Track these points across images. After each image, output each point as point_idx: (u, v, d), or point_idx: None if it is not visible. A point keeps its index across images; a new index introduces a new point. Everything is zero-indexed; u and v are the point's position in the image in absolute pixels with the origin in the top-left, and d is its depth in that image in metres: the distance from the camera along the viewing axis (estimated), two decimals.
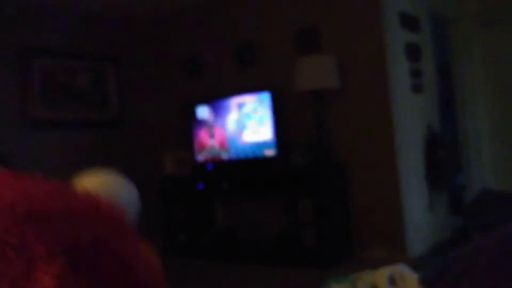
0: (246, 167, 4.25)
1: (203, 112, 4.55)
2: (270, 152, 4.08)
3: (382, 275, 1.25)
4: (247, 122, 4.23)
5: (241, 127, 4.28)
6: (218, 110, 4.45)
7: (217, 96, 4.47)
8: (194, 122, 4.61)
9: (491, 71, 5.02)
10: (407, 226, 3.74)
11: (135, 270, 0.36)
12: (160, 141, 5.17)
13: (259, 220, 4.41)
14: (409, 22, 4.09)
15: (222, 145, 4.41)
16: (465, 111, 4.99)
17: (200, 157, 4.57)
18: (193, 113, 4.60)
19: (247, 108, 4.23)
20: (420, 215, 3.97)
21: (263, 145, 4.13)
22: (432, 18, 4.54)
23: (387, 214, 3.78)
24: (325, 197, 3.81)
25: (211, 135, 4.49)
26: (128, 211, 0.45)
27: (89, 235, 0.35)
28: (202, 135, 4.55)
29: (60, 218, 0.35)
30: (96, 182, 0.46)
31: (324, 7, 4.05)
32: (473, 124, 4.99)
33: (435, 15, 4.59)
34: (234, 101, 4.32)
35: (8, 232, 0.33)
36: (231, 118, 4.34)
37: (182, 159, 4.76)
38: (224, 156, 4.40)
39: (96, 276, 0.33)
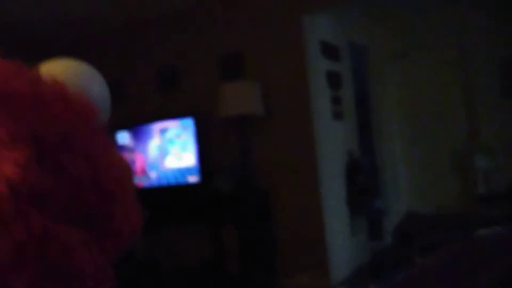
0: (168, 193, 4.13)
1: (123, 137, 4.40)
2: (193, 179, 4.00)
3: None
4: (170, 148, 4.14)
5: (163, 153, 4.17)
6: (139, 136, 4.32)
7: (138, 121, 4.34)
8: None
9: (404, 99, 5.27)
10: (330, 252, 3.77)
11: (104, 174, 0.34)
12: None
13: (182, 248, 4.29)
14: (329, 51, 4.20)
15: (143, 171, 4.28)
16: (381, 137, 5.18)
17: None
18: (113, 139, 4.43)
19: (170, 134, 4.14)
20: (342, 241, 4.03)
21: (186, 171, 4.04)
22: (351, 48, 4.69)
23: (310, 240, 3.80)
24: (249, 224, 3.77)
25: (132, 162, 4.34)
26: (100, 107, 0.40)
27: (56, 127, 0.31)
28: None
29: (26, 103, 0.31)
30: (64, 69, 0.41)
31: (248, 34, 4.07)
32: (389, 150, 5.19)
33: (353, 44, 4.76)
34: (157, 126, 4.22)
35: None
36: (153, 144, 4.23)
37: None
38: (145, 182, 4.26)
39: (61, 174, 0.30)
